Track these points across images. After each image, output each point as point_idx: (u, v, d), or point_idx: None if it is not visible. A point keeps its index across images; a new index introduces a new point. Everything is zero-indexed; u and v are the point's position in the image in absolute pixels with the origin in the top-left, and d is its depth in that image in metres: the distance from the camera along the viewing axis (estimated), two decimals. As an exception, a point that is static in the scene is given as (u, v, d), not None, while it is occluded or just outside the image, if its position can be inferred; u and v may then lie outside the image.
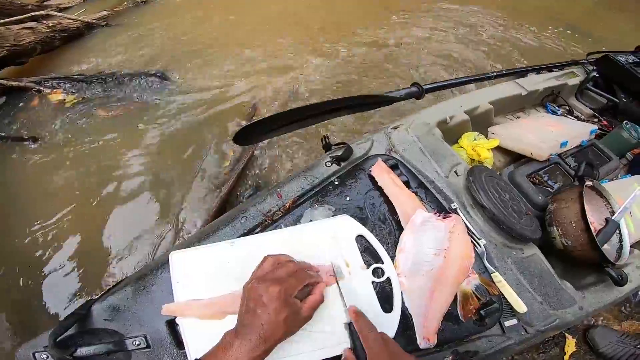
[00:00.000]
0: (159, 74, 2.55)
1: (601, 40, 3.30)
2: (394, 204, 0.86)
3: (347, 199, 0.87)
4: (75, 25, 3.03)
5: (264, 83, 2.55)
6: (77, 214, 1.82)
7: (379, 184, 0.88)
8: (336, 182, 0.90)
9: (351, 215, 0.82)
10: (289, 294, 0.57)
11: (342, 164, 0.95)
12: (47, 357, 0.69)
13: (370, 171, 0.91)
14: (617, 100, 1.54)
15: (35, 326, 1.49)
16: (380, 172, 0.89)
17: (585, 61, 1.70)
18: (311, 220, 0.83)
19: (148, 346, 0.71)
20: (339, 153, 0.96)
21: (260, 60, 2.77)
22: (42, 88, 2.46)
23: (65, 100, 2.39)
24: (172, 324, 0.72)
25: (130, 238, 1.73)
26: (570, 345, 1.43)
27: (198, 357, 0.54)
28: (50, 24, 2.86)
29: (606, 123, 1.53)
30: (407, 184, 0.90)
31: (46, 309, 1.54)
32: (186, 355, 0.67)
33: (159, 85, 2.50)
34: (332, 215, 0.84)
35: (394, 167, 0.93)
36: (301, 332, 0.63)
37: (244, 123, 2.16)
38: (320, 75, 2.66)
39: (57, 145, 2.12)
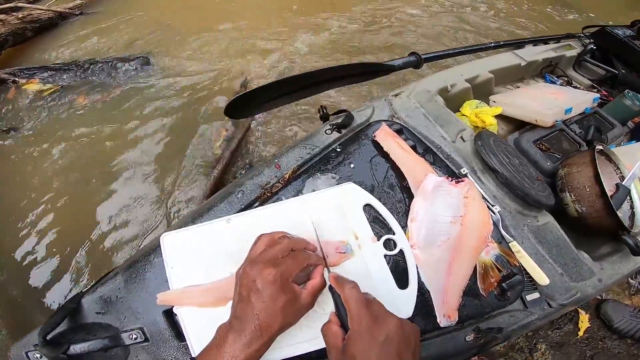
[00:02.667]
0: (140, 58, 2.44)
1: (593, 18, 3.30)
2: (401, 170, 0.79)
3: (352, 166, 0.81)
4: (47, 16, 2.91)
5: (254, 62, 2.48)
6: (64, 203, 1.74)
7: (385, 149, 0.82)
8: (338, 149, 0.83)
9: (356, 183, 0.75)
10: (286, 278, 0.50)
11: (343, 131, 0.88)
12: (41, 357, 0.63)
13: (374, 136, 0.84)
14: (617, 72, 1.54)
15: (28, 322, 1.42)
16: (385, 137, 0.83)
17: (582, 35, 1.71)
18: (314, 190, 0.76)
19: (146, 340, 0.65)
20: (339, 121, 0.89)
21: (247, 39, 2.69)
22: (17, 79, 2.37)
23: (42, 89, 2.29)
24: (170, 314, 0.65)
25: (121, 226, 1.66)
26: (584, 320, 1.40)
27: (194, 356, 0.49)
28: (20, 16, 2.75)
29: (606, 93, 1.52)
30: (413, 148, 0.84)
31: (38, 304, 1.47)
32: (188, 348, 0.60)
33: (142, 69, 2.40)
34: (336, 184, 0.77)
35: (398, 132, 0.86)
36: (312, 313, 0.57)
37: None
38: (311, 53, 2.60)
39: (38, 135, 2.04)
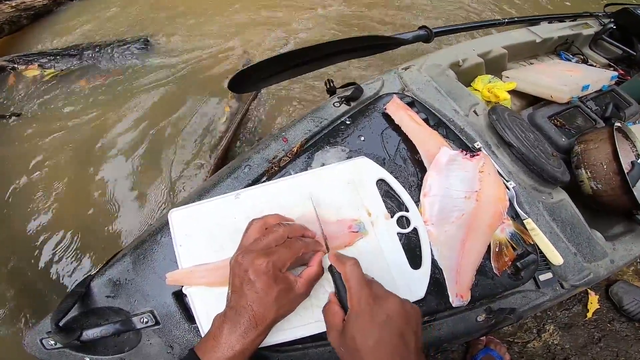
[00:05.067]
0: (141, 40, 2.39)
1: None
2: (414, 143, 0.76)
3: (362, 139, 0.77)
4: (41, 3, 2.82)
5: (256, 39, 2.42)
6: (70, 186, 1.72)
7: (396, 121, 0.78)
8: (348, 122, 0.80)
9: (367, 157, 0.72)
10: (278, 268, 0.48)
11: (352, 104, 0.85)
12: (56, 343, 0.61)
13: (385, 108, 0.81)
14: (634, 53, 1.49)
15: (43, 308, 1.40)
16: (397, 109, 0.79)
17: (601, 13, 1.66)
18: (323, 164, 0.73)
19: (157, 323, 0.63)
20: (347, 94, 0.86)
21: (249, 17, 2.61)
22: (16, 65, 2.32)
23: (42, 74, 2.25)
24: (179, 296, 0.63)
25: (127, 206, 1.65)
26: (593, 302, 1.37)
27: (193, 348, 0.47)
28: (14, 4, 2.67)
29: (623, 72, 1.48)
30: (425, 121, 0.81)
31: (50, 287, 1.46)
32: (199, 330, 0.58)
33: (143, 51, 2.35)
34: (347, 158, 0.74)
35: (409, 105, 0.83)
36: (323, 295, 0.55)
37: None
38: (316, 29, 2.52)
39: (40, 120, 2.00)
